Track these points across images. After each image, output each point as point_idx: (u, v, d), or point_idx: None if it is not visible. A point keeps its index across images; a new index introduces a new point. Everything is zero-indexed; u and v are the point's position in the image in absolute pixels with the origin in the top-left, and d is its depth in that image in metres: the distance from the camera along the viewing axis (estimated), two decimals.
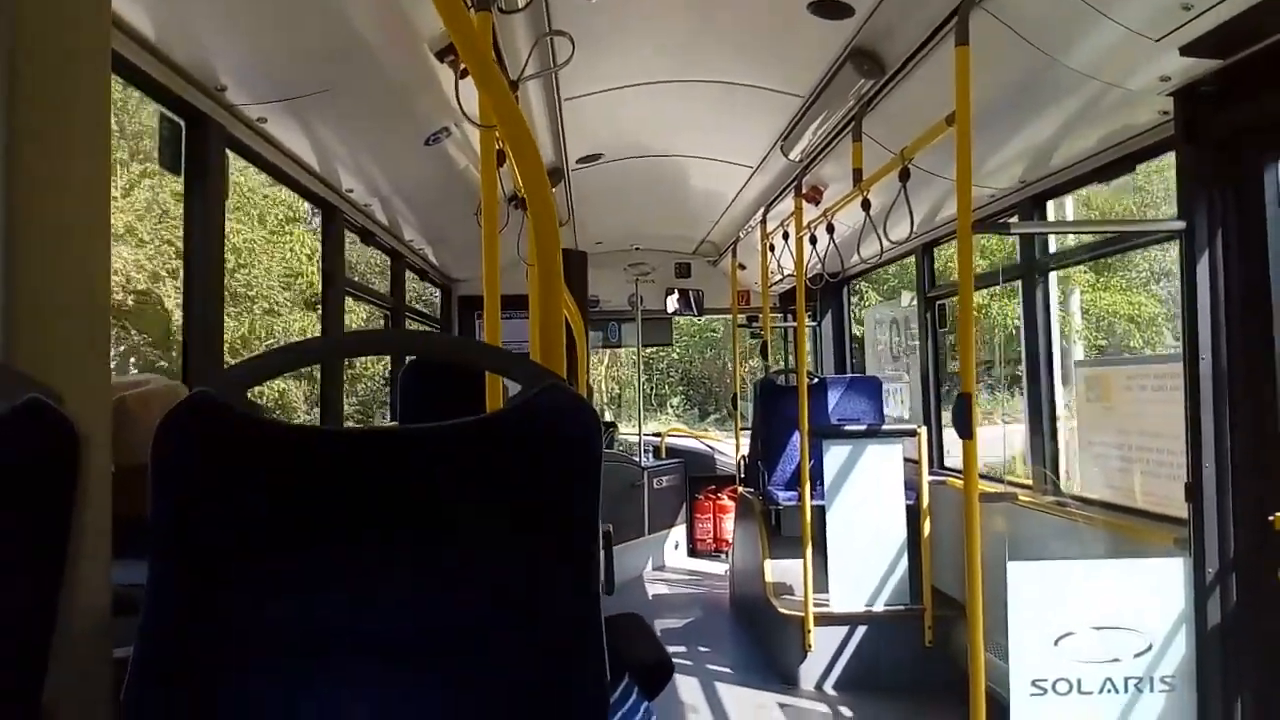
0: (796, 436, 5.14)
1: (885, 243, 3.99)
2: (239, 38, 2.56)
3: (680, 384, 21.64)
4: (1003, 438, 4.90)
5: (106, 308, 1.18)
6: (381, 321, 5.89)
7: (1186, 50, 2.49)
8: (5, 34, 1.01)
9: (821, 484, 4.57)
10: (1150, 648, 2.76)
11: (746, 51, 3.79)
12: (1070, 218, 4.43)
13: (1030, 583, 2.81)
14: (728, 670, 4.76)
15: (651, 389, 20.29)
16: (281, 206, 12.91)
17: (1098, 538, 3.45)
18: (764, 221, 5.73)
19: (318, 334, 13.64)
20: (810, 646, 4.38)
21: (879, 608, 4.42)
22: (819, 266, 5.13)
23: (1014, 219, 4.05)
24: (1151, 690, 2.74)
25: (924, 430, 4.66)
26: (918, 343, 5.48)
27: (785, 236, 5.58)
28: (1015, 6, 2.66)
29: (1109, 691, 2.75)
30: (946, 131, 3.00)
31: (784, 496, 5.26)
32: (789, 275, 6.42)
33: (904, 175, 3.47)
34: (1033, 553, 3.59)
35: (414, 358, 3.30)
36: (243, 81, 2.75)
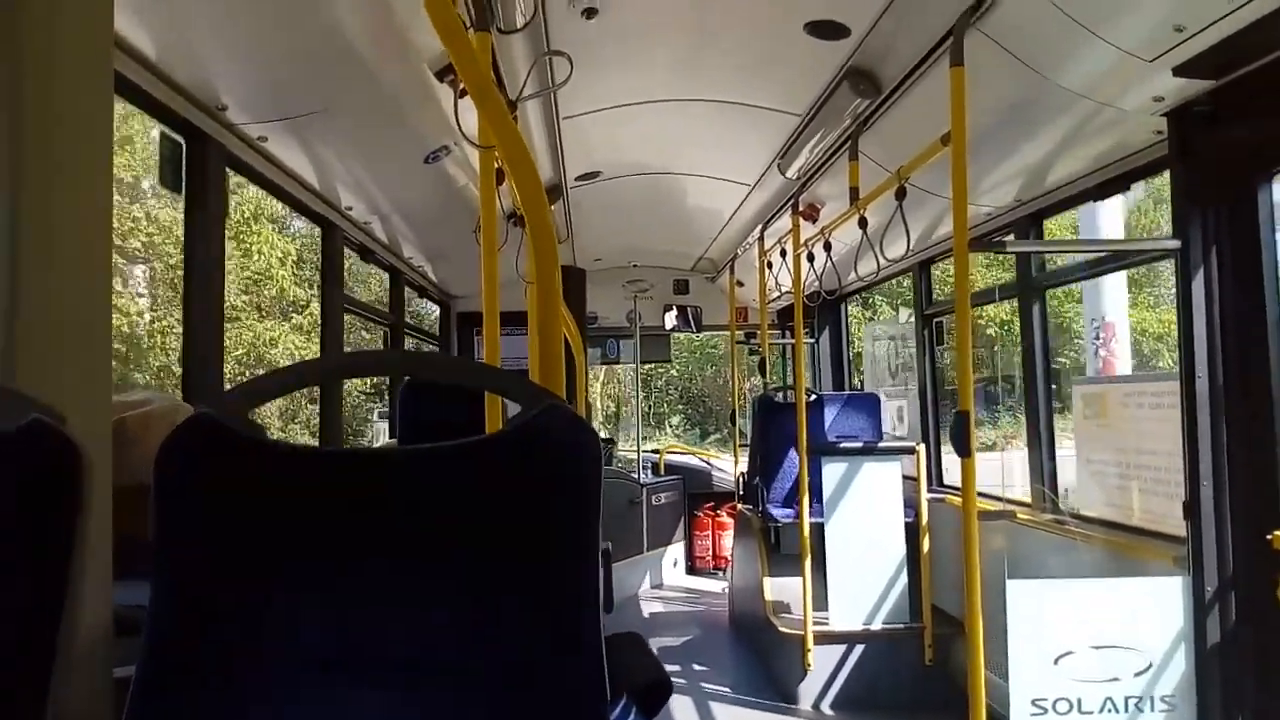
0: (794, 453, 5.13)
1: (882, 260, 4.00)
2: (239, 57, 2.58)
3: (679, 402, 21.35)
4: (1001, 468, 4.76)
5: (108, 329, 1.18)
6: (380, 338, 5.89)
7: (1180, 71, 2.50)
8: (10, 56, 1.02)
9: (820, 501, 4.56)
10: (1150, 666, 2.75)
11: (744, 71, 3.82)
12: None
13: (1030, 601, 2.80)
14: (726, 689, 4.73)
15: (649, 407, 20.07)
16: (249, 203, 12.45)
17: (1096, 556, 3.44)
18: (762, 239, 5.75)
19: (290, 346, 13.62)
20: (810, 665, 4.36)
21: (878, 626, 4.40)
22: (816, 284, 5.15)
23: (1009, 237, 4.07)
24: (1152, 709, 2.73)
25: (922, 448, 4.66)
26: (915, 360, 5.50)
27: (783, 254, 5.60)
28: (1010, 27, 2.68)
29: (1109, 711, 2.74)
30: (942, 151, 3.02)
31: (782, 514, 5.25)
32: (787, 292, 6.44)
33: (900, 194, 3.49)
34: (1031, 571, 3.58)
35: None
36: (243, 101, 2.76)
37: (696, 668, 5.11)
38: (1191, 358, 2.72)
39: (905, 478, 4.57)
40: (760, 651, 5.09)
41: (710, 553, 7.80)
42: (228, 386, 3.18)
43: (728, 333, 7.69)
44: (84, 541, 0.85)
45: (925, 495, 4.51)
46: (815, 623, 4.39)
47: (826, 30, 3.19)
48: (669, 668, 1.03)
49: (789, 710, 4.37)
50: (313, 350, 14.46)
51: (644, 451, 8.03)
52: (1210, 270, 2.73)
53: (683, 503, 7.78)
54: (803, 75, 3.65)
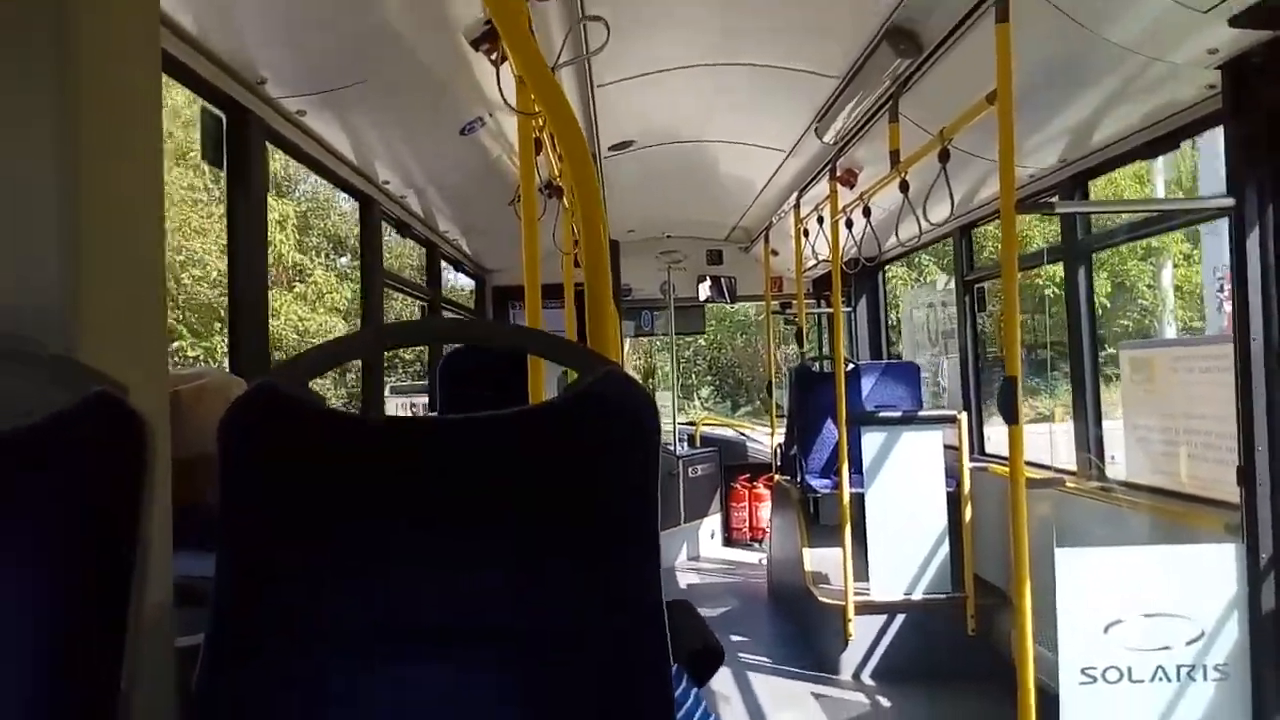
0: (832, 424, 5.10)
1: (925, 224, 3.93)
2: (279, 30, 2.58)
3: (708, 373, 20.84)
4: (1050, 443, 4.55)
5: (164, 303, 1.20)
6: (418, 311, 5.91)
7: (1235, 21, 2.42)
8: (61, 38, 1.02)
9: (859, 471, 4.53)
10: (1202, 635, 2.71)
11: (780, 33, 3.74)
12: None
13: (1078, 570, 2.77)
14: (765, 660, 4.75)
15: (676, 378, 19.66)
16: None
17: (1144, 523, 3.39)
18: (798, 206, 5.67)
19: (292, 317, 13.58)
20: (850, 635, 4.36)
21: (919, 596, 4.38)
22: (854, 251, 5.08)
23: (1055, 199, 3.98)
24: (1204, 678, 2.70)
25: (964, 416, 4.60)
26: (956, 326, 5.42)
27: (819, 221, 5.53)
28: None
29: (1160, 680, 2.70)
30: (987, 110, 2.95)
31: (821, 484, 5.23)
32: (823, 260, 6.36)
33: (944, 156, 3.42)
34: (1078, 539, 3.54)
35: (450, 348, 3.32)
36: (283, 74, 2.76)
37: (735, 638, 5.13)
38: (1246, 319, 2.65)
39: (946, 447, 4.53)
40: (800, 622, 5.09)
41: (747, 524, 7.80)
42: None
43: (761, 303, 7.63)
44: (149, 512, 0.86)
45: (968, 464, 4.46)
46: (856, 593, 4.39)
47: None
48: None
49: (830, 680, 4.38)
50: (318, 320, 14.56)
51: (678, 424, 8.03)
52: (1266, 228, 2.65)
53: (719, 474, 7.77)
54: (841, 36, 3.57)
